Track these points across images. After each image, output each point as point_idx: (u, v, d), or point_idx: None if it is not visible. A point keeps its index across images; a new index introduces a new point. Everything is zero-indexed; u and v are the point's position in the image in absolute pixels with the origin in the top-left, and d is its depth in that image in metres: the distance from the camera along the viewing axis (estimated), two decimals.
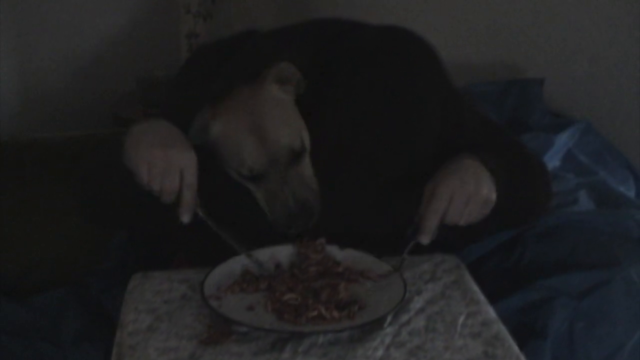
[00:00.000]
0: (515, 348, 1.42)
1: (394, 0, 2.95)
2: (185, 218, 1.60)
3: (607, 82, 2.60)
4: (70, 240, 2.38)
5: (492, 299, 1.59)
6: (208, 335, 1.44)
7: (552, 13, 2.68)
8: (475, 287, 1.61)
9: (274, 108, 1.64)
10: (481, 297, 1.57)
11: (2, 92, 2.95)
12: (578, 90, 2.67)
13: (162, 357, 1.39)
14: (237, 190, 1.70)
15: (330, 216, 1.70)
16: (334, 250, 1.65)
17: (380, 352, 1.39)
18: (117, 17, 3.15)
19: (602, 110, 2.62)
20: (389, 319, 1.47)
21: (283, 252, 1.65)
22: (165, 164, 1.55)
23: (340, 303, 1.48)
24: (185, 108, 1.70)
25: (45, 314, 2.20)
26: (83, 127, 2.02)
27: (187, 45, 2.98)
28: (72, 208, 1.86)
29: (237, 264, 1.61)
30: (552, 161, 2.29)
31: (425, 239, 1.60)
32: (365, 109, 1.75)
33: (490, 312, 1.52)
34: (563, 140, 2.39)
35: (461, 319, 1.49)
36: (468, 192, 1.58)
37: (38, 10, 2.98)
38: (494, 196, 1.60)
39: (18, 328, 2.16)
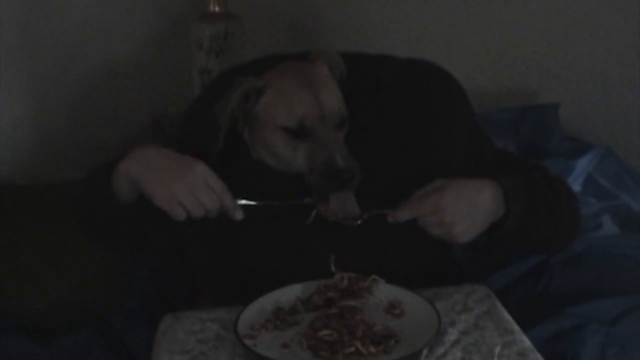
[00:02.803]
0: None
1: (406, 29, 2.96)
2: (239, 215, 1.64)
3: (622, 105, 2.61)
4: (92, 279, 2.37)
5: (521, 329, 1.58)
6: None
7: (564, 38, 2.69)
8: (507, 317, 1.61)
9: (325, 78, 1.71)
10: (515, 327, 1.57)
11: (19, 135, 2.95)
12: (593, 114, 2.68)
13: None
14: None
15: (352, 249, 1.70)
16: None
17: None
18: (130, 54, 3.15)
19: (618, 134, 2.62)
20: (425, 352, 1.46)
21: (311, 287, 1.65)
22: (191, 191, 1.57)
23: (376, 338, 1.47)
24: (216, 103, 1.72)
25: (70, 354, 2.18)
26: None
27: (199, 82, 2.98)
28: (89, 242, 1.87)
29: (268, 301, 1.61)
30: (573, 186, 2.28)
31: (390, 219, 1.63)
32: (387, 141, 1.76)
33: (526, 342, 1.52)
34: (583, 165, 2.39)
35: (497, 350, 1.49)
36: (446, 220, 1.59)
37: (50, 50, 2.99)
38: (462, 239, 1.63)
39: None
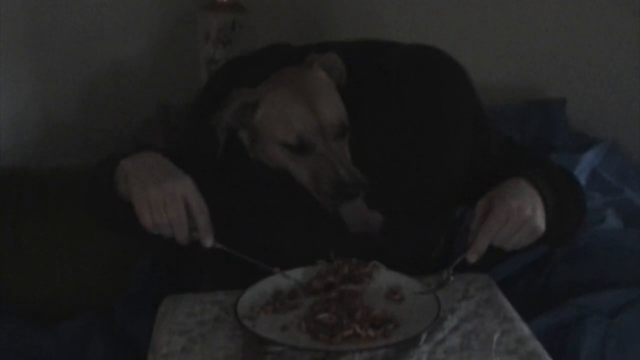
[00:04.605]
0: None
1: (414, 22, 2.95)
2: (209, 241, 1.61)
3: (628, 101, 2.61)
4: (94, 266, 2.38)
5: (523, 319, 1.58)
6: (242, 355, 1.43)
7: (571, 34, 2.69)
8: (507, 305, 1.61)
9: (322, 86, 1.68)
10: (514, 315, 1.57)
11: (24, 121, 2.96)
12: (599, 110, 2.67)
13: None
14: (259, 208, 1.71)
15: (356, 235, 1.70)
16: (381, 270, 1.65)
17: None
18: (137, 44, 3.16)
19: (624, 129, 2.61)
20: (423, 337, 1.46)
21: (312, 272, 1.65)
22: (163, 198, 1.55)
23: (375, 322, 1.47)
24: (219, 103, 1.70)
25: (71, 342, 2.18)
26: (104, 154, 2.03)
27: (206, 72, 2.98)
28: (93, 228, 1.88)
29: (268, 284, 1.61)
30: None
31: (473, 258, 1.57)
32: (395, 128, 1.75)
33: (525, 329, 1.52)
34: (588, 159, 2.39)
35: (496, 337, 1.48)
36: (523, 218, 1.54)
37: (57, 37, 2.99)
38: (543, 227, 1.57)
39: (44, 356, 2.15)
